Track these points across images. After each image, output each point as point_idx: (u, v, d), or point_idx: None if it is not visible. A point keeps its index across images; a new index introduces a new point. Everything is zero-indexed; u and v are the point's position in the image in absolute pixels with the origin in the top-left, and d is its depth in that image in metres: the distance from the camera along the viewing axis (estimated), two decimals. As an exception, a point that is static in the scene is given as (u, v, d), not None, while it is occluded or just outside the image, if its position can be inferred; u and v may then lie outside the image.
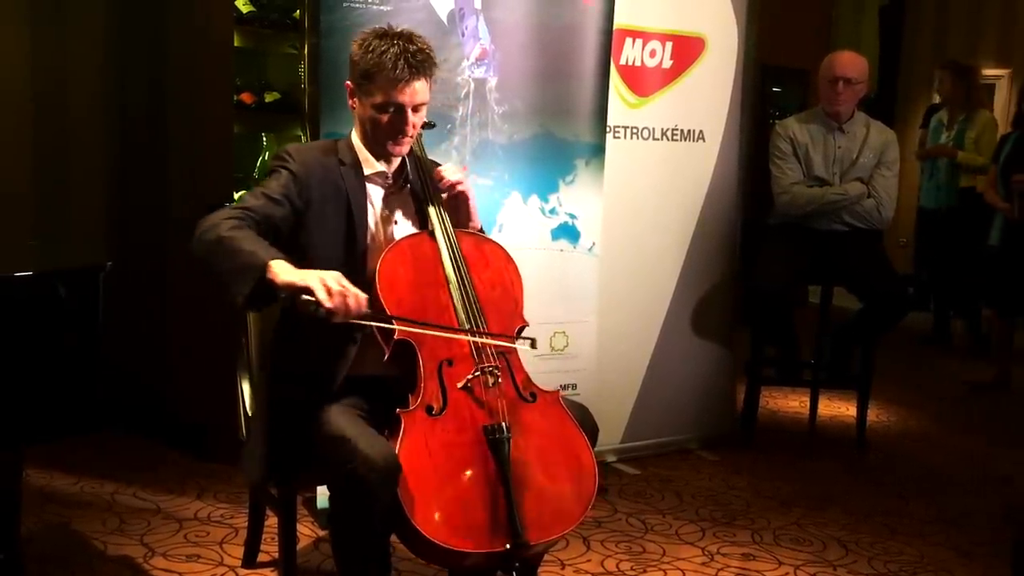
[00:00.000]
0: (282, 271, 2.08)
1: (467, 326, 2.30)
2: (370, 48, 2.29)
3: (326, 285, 2.06)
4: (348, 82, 2.39)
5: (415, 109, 2.33)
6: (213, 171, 3.76)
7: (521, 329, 2.44)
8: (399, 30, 2.34)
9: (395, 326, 2.24)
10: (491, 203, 3.36)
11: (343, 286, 2.08)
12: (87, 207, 3.99)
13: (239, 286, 2.11)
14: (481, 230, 2.56)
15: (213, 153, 3.77)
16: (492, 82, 3.32)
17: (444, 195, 2.44)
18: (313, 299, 2.05)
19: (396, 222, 2.44)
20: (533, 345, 2.35)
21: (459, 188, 2.45)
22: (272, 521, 2.76)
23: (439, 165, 2.55)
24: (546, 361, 3.50)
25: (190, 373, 3.83)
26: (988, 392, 5.53)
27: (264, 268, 2.09)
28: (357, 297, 2.10)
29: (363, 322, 2.17)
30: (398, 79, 2.27)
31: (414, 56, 2.27)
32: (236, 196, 3.75)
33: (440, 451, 2.18)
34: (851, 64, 4.22)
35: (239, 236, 2.14)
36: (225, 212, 2.22)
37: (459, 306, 2.32)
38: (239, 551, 2.95)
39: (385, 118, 2.32)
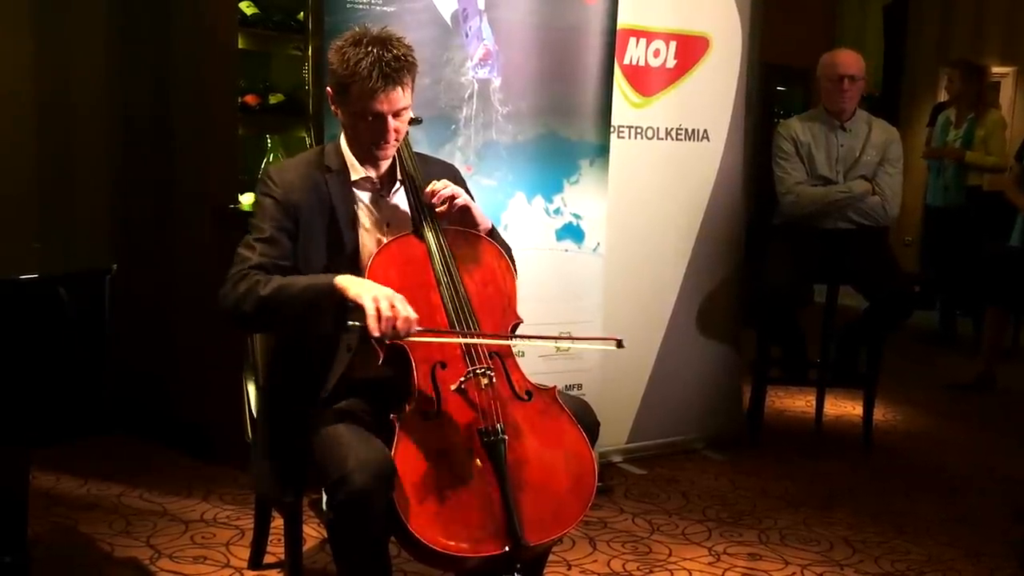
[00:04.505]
0: (349, 284, 2.15)
1: (458, 327, 2.28)
2: (345, 57, 2.25)
3: (379, 308, 2.10)
4: (328, 88, 2.36)
5: (396, 115, 2.30)
6: (218, 173, 3.77)
7: (516, 326, 2.42)
8: (375, 34, 2.28)
9: (425, 338, 2.25)
10: (495, 204, 3.35)
11: (395, 309, 2.11)
12: (92, 210, 4.00)
13: (323, 318, 2.21)
14: (493, 229, 2.54)
15: (218, 155, 3.77)
16: (496, 83, 3.31)
17: (442, 208, 2.37)
18: (360, 324, 2.11)
19: (388, 225, 2.43)
20: (620, 344, 2.31)
21: (457, 202, 2.38)
22: (278, 522, 2.76)
23: (427, 160, 2.54)
24: (551, 362, 3.49)
25: (196, 375, 3.84)
26: (971, 393, 5.43)
27: (332, 288, 2.16)
28: (407, 319, 2.13)
29: (408, 339, 2.19)
30: (374, 90, 2.23)
31: (389, 64, 2.23)
32: (240, 199, 3.76)
33: (435, 455, 2.17)
34: (853, 62, 4.24)
35: (280, 283, 2.20)
36: (237, 277, 2.24)
37: (449, 307, 2.30)
38: (245, 552, 2.96)
39: (365, 125, 2.30)
